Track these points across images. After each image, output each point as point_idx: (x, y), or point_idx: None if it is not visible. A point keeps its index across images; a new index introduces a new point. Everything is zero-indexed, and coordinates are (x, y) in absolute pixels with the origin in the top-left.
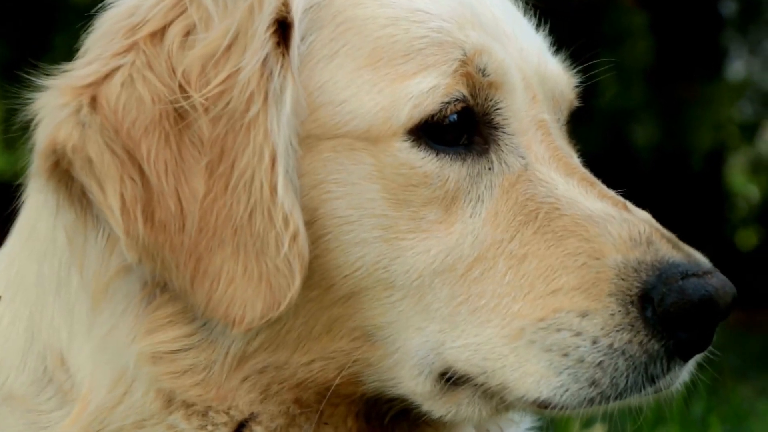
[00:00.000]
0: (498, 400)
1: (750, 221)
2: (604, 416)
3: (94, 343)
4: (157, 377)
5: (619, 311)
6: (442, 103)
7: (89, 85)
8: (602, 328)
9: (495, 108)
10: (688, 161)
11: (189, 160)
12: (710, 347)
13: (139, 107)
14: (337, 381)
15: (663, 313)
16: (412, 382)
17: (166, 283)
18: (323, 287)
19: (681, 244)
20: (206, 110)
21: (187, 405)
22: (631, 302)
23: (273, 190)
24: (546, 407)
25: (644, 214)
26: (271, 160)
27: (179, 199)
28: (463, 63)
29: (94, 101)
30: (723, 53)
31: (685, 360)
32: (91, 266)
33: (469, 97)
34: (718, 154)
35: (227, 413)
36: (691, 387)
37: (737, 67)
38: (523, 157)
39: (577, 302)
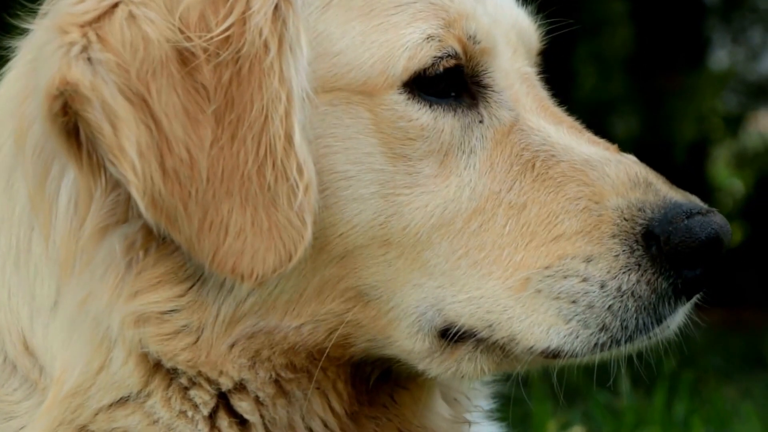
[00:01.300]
0: (501, 354)
1: (734, 216)
2: (582, 417)
3: (65, 316)
4: (143, 341)
5: (624, 251)
6: (435, 57)
7: (92, 22)
8: (608, 271)
9: (484, 71)
10: (670, 154)
11: (194, 106)
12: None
13: (146, 47)
14: (326, 344)
15: (670, 252)
16: (408, 341)
17: (151, 244)
18: (317, 247)
19: (676, 187)
20: (210, 56)
21: (170, 379)
22: (636, 241)
23: (288, 138)
24: (555, 356)
25: (634, 158)
26: (287, 107)
27: (188, 147)
28: (453, 24)
29: (102, 39)
30: (706, 42)
31: (690, 298)
32: (60, 232)
33: (462, 57)
34: (701, 147)
35: (211, 384)
36: (672, 387)
37: (720, 57)
38: (512, 110)
39: (581, 247)
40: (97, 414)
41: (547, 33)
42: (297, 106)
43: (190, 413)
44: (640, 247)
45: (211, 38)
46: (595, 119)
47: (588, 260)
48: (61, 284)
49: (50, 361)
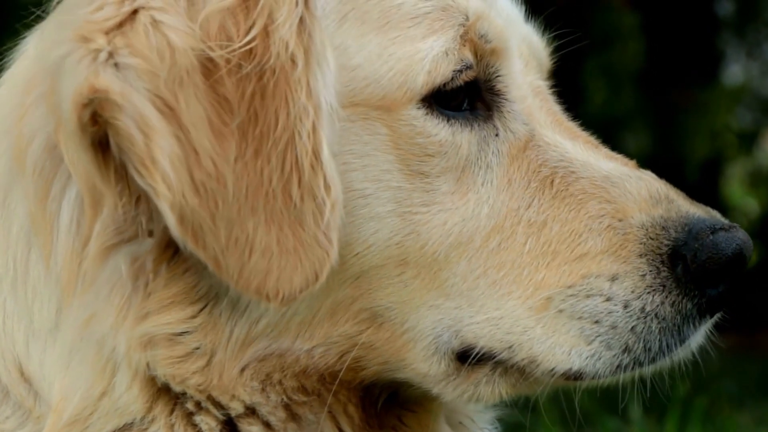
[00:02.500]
0: (519, 377)
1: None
2: None
3: (66, 339)
4: (152, 364)
5: (650, 272)
6: (455, 71)
7: (115, 28)
8: (633, 291)
9: (496, 75)
10: (683, 172)
11: (218, 119)
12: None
13: (173, 54)
14: (337, 367)
15: (697, 270)
16: (424, 364)
17: (161, 264)
18: (334, 267)
19: (696, 202)
20: (233, 68)
21: (174, 404)
22: (662, 261)
23: (315, 154)
24: (577, 378)
25: (651, 174)
26: (315, 122)
27: (214, 160)
28: (467, 28)
29: (129, 45)
30: (719, 56)
31: (712, 315)
32: (61, 252)
33: (475, 64)
34: (714, 165)
35: (219, 409)
36: (685, 414)
37: (734, 72)
38: (527, 123)
39: (605, 266)
40: None
41: (557, 47)
42: (325, 121)
43: None
44: (666, 268)
45: (234, 50)
46: (605, 135)
47: (613, 279)
48: (62, 306)
49: (47, 387)
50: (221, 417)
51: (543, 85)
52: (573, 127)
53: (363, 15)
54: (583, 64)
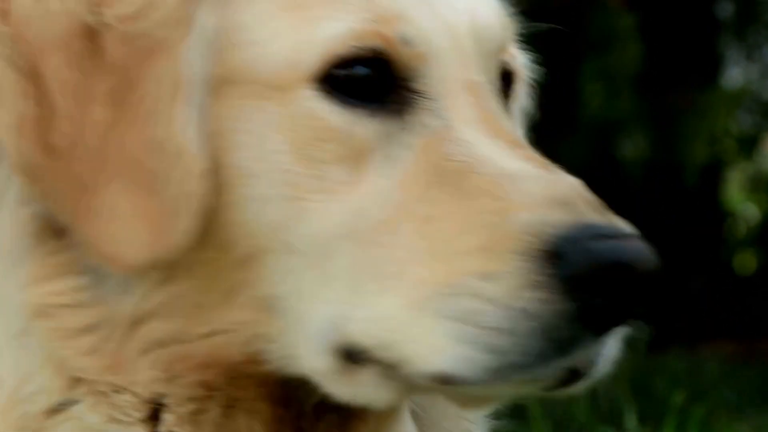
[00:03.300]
0: (402, 379)
1: (749, 243)
2: None
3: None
4: (47, 336)
5: (524, 269)
6: (353, 46)
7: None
8: (506, 290)
9: (417, 77)
10: (681, 177)
11: (95, 84)
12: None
13: (50, 20)
14: (239, 358)
15: (570, 274)
16: (312, 360)
17: (48, 230)
18: (221, 246)
19: (607, 211)
20: (119, 31)
21: (88, 385)
22: (537, 258)
23: (175, 123)
24: (450, 382)
25: (573, 180)
26: (180, 90)
27: (78, 126)
28: (384, 23)
29: (4, 12)
30: (719, 59)
31: (598, 332)
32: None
33: (389, 58)
34: (713, 169)
35: (131, 392)
36: (682, 423)
37: (734, 75)
38: (444, 119)
39: (480, 263)
40: (37, 422)
41: (553, 49)
42: (191, 91)
43: (122, 417)
44: (541, 266)
45: (124, 10)
46: (602, 139)
47: (486, 278)
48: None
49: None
50: (136, 400)
51: (481, 82)
52: (503, 127)
53: None
54: (580, 67)
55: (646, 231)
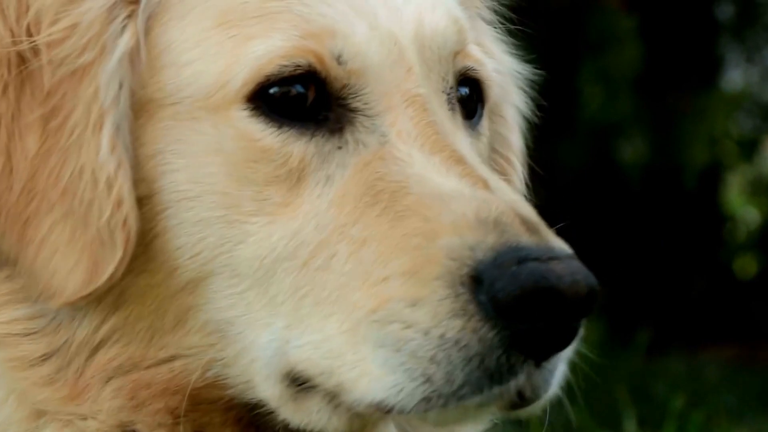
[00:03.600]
0: (345, 406)
1: (749, 247)
2: None
3: None
4: (5, 367)
5: (449, 296)
6: (280, 65)
7: None
8: (433, 317)
9: (353, 94)
10: (681, 180)
11: (26, 112)
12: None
13: None
14: (200, 384)
15: (493, 300)
16: (264, 386)
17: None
18: (167, 271)
19: (543, 230)
20: (47, 57)
21: (52, 415)
22: (462, 284)
23: (98, 152)
24: (387, 411)
25: (511, 196)
26: (99, 115)
27: (9, 156)
28: (313, 36)
29: None
30: (718, 61)
31: (536, 359)
32: None
33: (322, 71)
34: (713, 173)
35: (98, 421)
36: (682, 428)
37: (734, 77)
38: (384, 135)
39: (406, 289)
40: None
41: (551, 50)
42: (112, 116)
43: None
44: (466, 292)
45: (52, 35)
46: (601, 142)
47: (413, 304)
48: None
49: None
50: (103, 428)
51: (426, 93)
52: (445, 140)
53: (207, 11)
54: (579, 69)
55: (646, 235)
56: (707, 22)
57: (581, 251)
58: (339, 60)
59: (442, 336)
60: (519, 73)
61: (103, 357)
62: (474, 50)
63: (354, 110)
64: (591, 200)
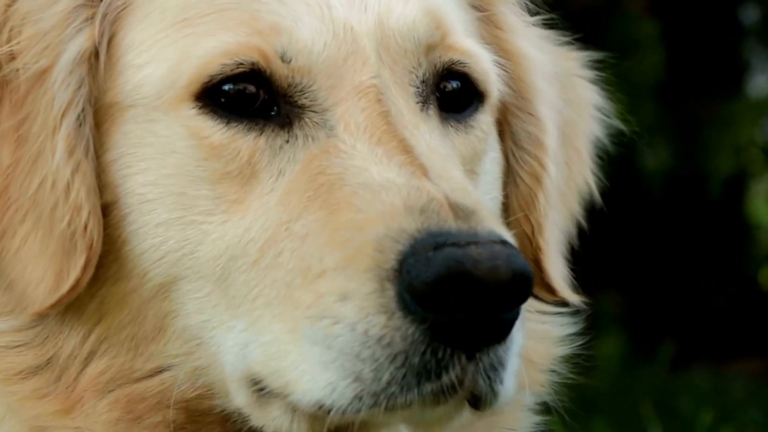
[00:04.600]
0: (299, 409)
1: None
2: None
3: None
4: None
5: (375, 290)
6: (222, 64)
7: None
8: (359, 312)
9: (300, 92)
10: (705, 189)
11: (3, 122)
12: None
13: None
14: (192, 394)
15: (409, 289)
16: (234, 392)
17: None
18: (138, 276)
19: (476, 216)
20: (16, 65)
21: (51, 430)
22: (387, 278)
23: (55, 159)
24: (329, 411)
25: (451, 184)
26: (55, 121)
27: None
28: (258, 33)
29: None
30: (744, 67)
31: (466, 350)
32: None
33: (266, 68)
34: (738, 181)
35: None
36: None
37: (760, 83)
38: (332, 128)
39: (337, 284)
40: None
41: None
42: (67, 121)
43: None
44: (390, 286)
45: (14, 48)
46: (622, 150)
47: (342, 299)
48: None
49: None
50: None
51: (380, 83)
52: (395, 131)
53: (165, 12)
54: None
55: (669, 245)
56: (731, 26)
57: (602, 261)
58: (283, 58)
59: (366, 332)
60: (553, 71)
61: (94, 369)
62: (463, 43)
63: (302, 107)
64: (612, 209)
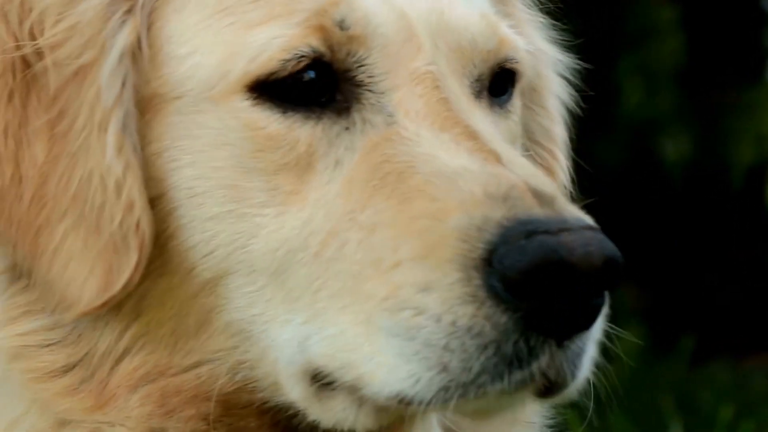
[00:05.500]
0: (369, 401)
1: None
2: None
3: None
4: (26, 379)
5: (460, 280)
6: (282, 60)
7: None
8: (443, 303)
9: (358, 65)
10: (726, 178)
11: (34, 118)
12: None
13: None
14: (230, 388)
15: (503, 279)
16: (289, 386)
17: (15, 269)
18: (184, 272)
19: (558, 202)
20: (50, 59)
21: (77, 424)
22: (474, 267)
23: (104, 154)
24: (406, 403)
25: (525, 170)
26: (103, 116)
27: (18, 165)
28: (317, 14)
29: None
30: (765, 53)
31: (556, 338)
32: None
33: (326, 51)
34: (760, 171)
35: (126, 428)
36: None
37: None
38: (392, 115)
39: (417, 274)
40: None
41: (590, 43)
42: (116, 116)
43: None
44: (477, 275)
45: (54, 36)
46: (642, 138)
47: (424, 289)
48: None
49: None
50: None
51: (437, 70)
52: (457, 116)
53: (204, 1)
54: (618, 62)
55: (689, 236)
56: (753, 12)
57: (621, 254)
58: (341, 25)
59: (453, 323)
60: (561, 62)
61: (127, 366)
62: (511, 39)
63: (360, 84)
64: (631, 199)
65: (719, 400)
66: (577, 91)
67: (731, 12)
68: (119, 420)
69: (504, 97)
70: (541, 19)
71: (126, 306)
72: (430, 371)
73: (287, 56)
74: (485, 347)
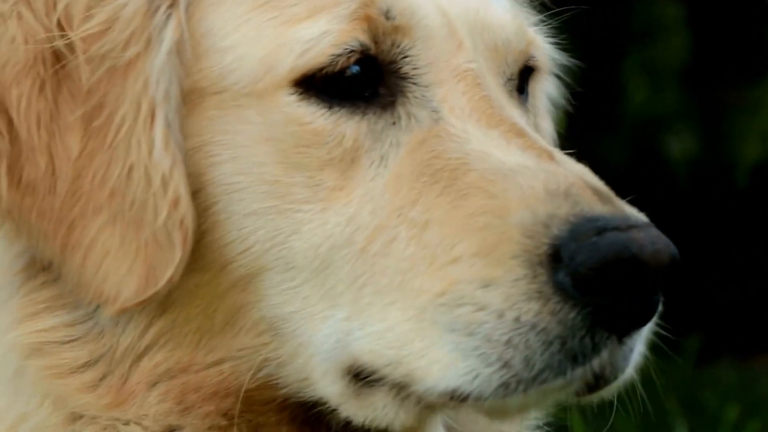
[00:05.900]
0: (414, 398)
1: None
2: None
3: None
4: (43, 375)
5: (525, 276)
6: (332, 55)
7: None
8: (507, 299)
9: (403, 56)
10: (732, 177)
11: (65, 111)
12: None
13: (10, 48)
14: (252, 385)
15: (574, 275)
16: (324, 383)
17: (35, 266)
18: (217, 268)
19: (615, 199)
20: (85, 52)
21: (91, 419)
22: (540, 263)
23: (150, 148)
24: (461, 399)
25: (577, 167)
26: (150, 111)
27: (51, 157)
28: (363, 4)
29: None
30: None
31: (618, 334)
32: None
33: (371, 44)
34: (765, 169)
35: (141, 426)
36: None
37: None
38: (436, 111)
39: (478, 270)
40: None
41: (594, 40)
42: (160, 109)
43: None
44: (543, 272)
45: (89, 30)
46: (646, 136)
47: (486, 285)
48: None
49: None
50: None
51: (477, 68)
52: (501, 114)
53: None
54: (623, 60)
55: (694, 235)
56: (759, 9)
57: None
58: (387, 15)
59: (517, 319)
60: (555, 59)
61: (148, 363)
62: (537, 38)
63: (404, 77)
64: (635, 198)
65: (724, 400)
66: (581, 89)
67: (737, 10)
68: (136, 418)
69: (524, 95)
70: (538, 17)
71: (151, 303)
72: (489, 367)
73: (337, 51)
74: (550, 343)
